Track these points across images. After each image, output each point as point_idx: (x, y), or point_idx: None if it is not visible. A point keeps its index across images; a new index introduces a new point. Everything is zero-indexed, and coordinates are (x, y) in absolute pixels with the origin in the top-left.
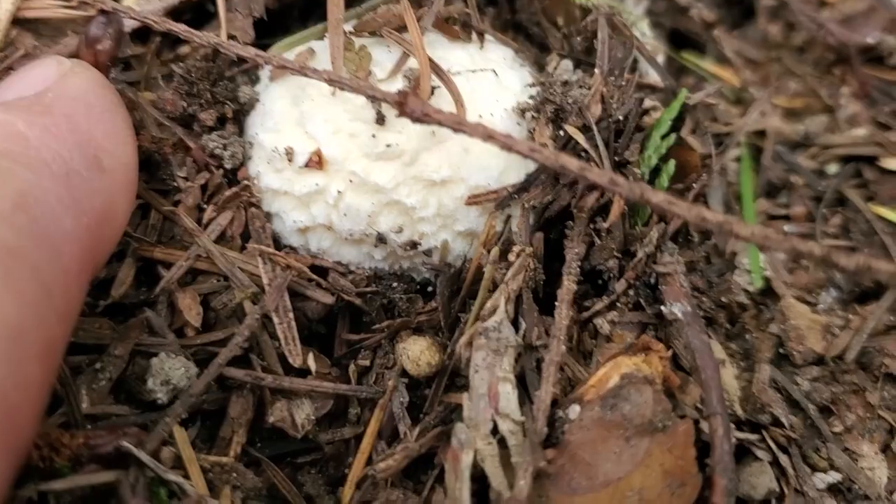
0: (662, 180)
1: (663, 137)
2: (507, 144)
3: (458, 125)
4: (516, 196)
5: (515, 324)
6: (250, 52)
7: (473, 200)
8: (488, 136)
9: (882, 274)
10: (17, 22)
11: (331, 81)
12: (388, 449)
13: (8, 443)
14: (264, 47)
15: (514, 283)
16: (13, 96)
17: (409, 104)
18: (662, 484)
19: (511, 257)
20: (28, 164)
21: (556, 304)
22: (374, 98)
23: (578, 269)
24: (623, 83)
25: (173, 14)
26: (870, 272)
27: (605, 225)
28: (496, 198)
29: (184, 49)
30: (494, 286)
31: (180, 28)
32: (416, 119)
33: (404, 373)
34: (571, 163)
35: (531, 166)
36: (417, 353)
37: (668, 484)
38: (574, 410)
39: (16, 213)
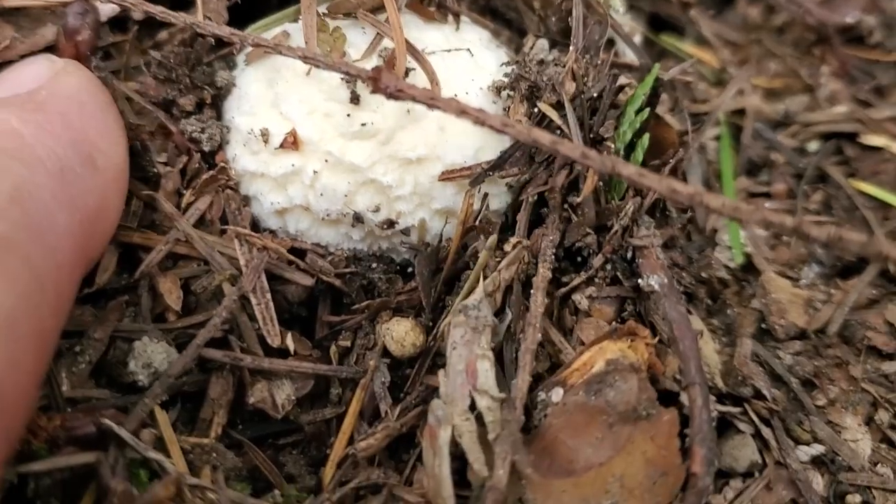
0: (637, 154)
1: (637, 112)
2: (479, 119)
3: (432, 101)
4: (490, 172)
5: (502, 313)
6: (226, 31)
7: (447, 176)
8: (461, 111)
9: (853, 245)
10: None
11: (305, 59)
12: (370, 429)
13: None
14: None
15: (507, 272)
16: (6, 94)
17: (383, 80)
18: (644, 472)
19: (507, 247)
20: (22, 159)
21: (532, 291)
22: (349, 74)
23: (553, 256)
24: (599, 61)
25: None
26: (841, 242)
27: (578, 200)
28: (469, 174)
29: (162, 35)
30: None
31: (157, 10)
32: (390, 95)
33: (385, 353)
34: (543, 137)
35: (507, 144)
36: (402, 333)
37: (649, 472)
38: (557, 393)
39: (10, 207)
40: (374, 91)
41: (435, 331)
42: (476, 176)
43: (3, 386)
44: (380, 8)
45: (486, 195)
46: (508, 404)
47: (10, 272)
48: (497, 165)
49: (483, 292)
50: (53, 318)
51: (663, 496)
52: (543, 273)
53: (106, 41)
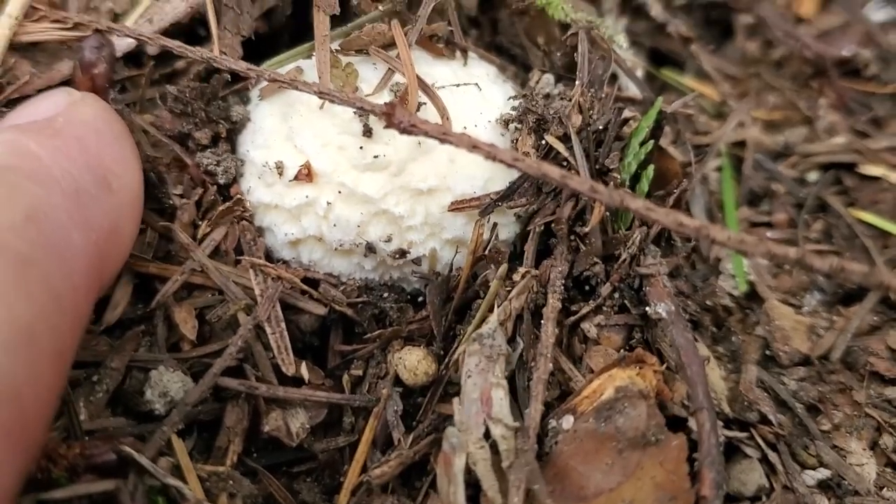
0: (643, 185)
1: (641, 144)
2: (490, 154)
3: (444, 135)
4: (499, 203)
5: (513, 342)
6: (243, 65)
7: (457, 207)
8: (473, 145)
9: (855, 275)
10: (14, 48)
11: (321, 94)
12: (383, 456)
13: (19, 443)
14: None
15: (517, 301)
16: (24, 120)
17: (397, 115)
18: (653, 497)
19: (516, 277)
20: (39, 180)
21: (542, 321)
22: (363, 110)
23: (562, 287)
24: (603, 95)
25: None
26: (843, 273)
27: (585, 230)
28: (479, 205)
29: (178, 67)
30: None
31: (174, 44)
32: (404, 130)
33: (398, 381)
34: (553, 171)
35: (515, 175)
36: (414, 362)
37: (658, 497)
38: (568, 421)
39: (27, 226)
40: (387, 126)
41: (447, 359)
42: (485, 206)
43: (24, 399)
44: (391, 44)
45: (495, 225)
46: (522, 433)
47: (29, 288)
48: (506, 196)
49: (497, 321)
50: (71, 337)
51: None
52: (553, 304)
53: (122, 75)
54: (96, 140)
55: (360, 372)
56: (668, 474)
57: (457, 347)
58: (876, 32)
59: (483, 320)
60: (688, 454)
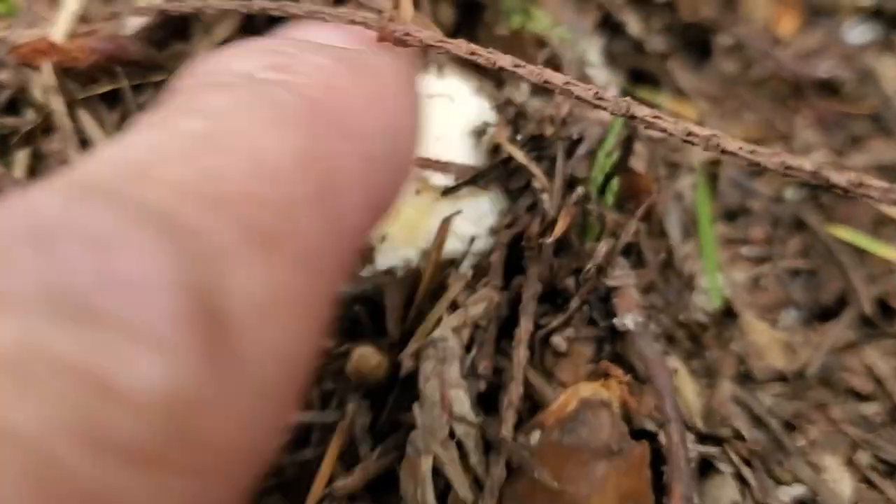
0: (607, 198)
1: (607, 156)
2: (490, 60)
3: (440, 42)
4: (463, 185)
5: (468, 350)
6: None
7: (421, 162)
8: (471, 52)
9: (874, 190)
10: None
11: (311, 13)
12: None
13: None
14: None
15: (475, 309)
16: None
17: (391, 25)
18: None
19: (479, 286)
20: (343, 133)
21: (514, 343)
22: (355, 23)
23: (535, 309)
24: (578, 110)
25: None
26: (862, 187)
27: (549, 240)
28: (443, 168)
29: None
30: (455, 306)
31: None
32: (398, 41)
33: (365, 394)
34: (555, 77)
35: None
36: (366, 354)
37: None
38: (535, 436)
39: (323, 199)
40: (381, 39)
41: (400, 359)
42: (449, 188)
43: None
44: None
45: (472, 238)
46: (493, 454)
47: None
48: (472, 180)
49: (450, 326)
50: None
51: None
52: (526, 326)
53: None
54: (401, 101)
55: (329, 386)
56: (632, 482)
57: (408, 347)
58: (853, 54)
59: (438, 320)
60: (650, 460)
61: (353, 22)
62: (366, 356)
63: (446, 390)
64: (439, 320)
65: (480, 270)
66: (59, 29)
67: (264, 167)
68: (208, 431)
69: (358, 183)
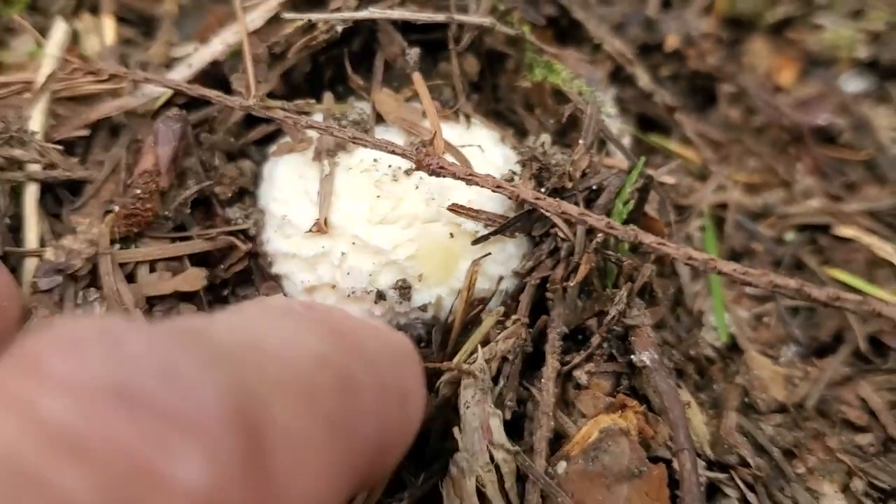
0: (623, 246)
1: (624, 204)
2: (514, 193)
3: (470, 176)
4: (493, 234)
5: (495, 382)
6: (279, 113)
7: (454, 208)
8: (497, 185)
9: (849, 303)
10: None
11: (354, 140)
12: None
13: None
14: None
15: (504, 344)
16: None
17: (427, 158)
18: None
19: (508, 322)
20: (361, 359)
21: (543, 381)
22: (394, 153)
23: (560, 347)
24: (596, 158)
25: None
26: (839, 301)
27: (571, 284)
28: (475, 215)
29: (209, 112)
30: (486, 341)
31: (212, 93)
32: (433, 171)
33: None
34: (571, 209)
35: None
36: None
37: None
38: (562, 466)
39: (341, 393)
40: (417, 168)
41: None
42: (479, 237)
43: None
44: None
45: (500, 278)
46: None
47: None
48: (500, 230)
49: (483, 358)
50: None
51: None
52: (552, 364)
53: None
54: (402, 358)
55: None
56: (653, 501)
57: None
58: (850, 102)
59: (471, 352)
60: (667, 481)
61: (392, 152)
62: None
63: (486, 419)
64: (473, 352)
65: (508, 309)
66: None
67: (305, 356)
68: None
69: (372, 397)
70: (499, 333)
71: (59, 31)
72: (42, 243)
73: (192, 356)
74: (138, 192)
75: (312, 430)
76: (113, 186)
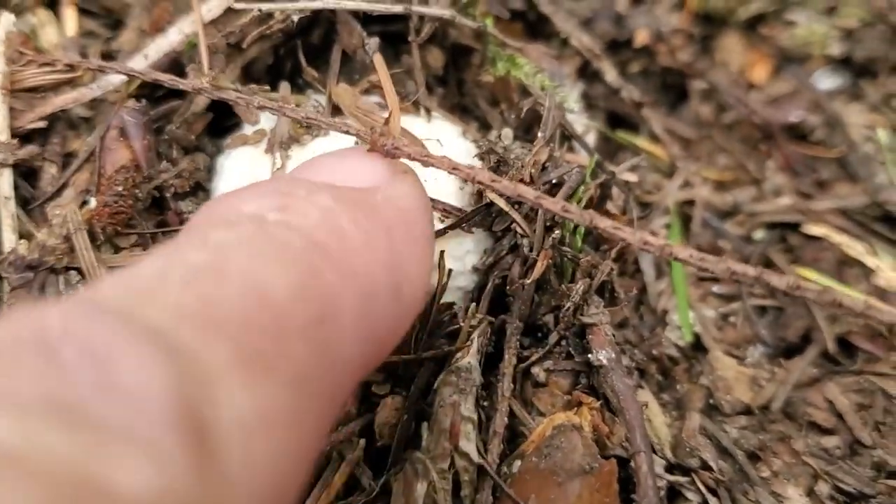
0: (576, 241)
1: (578, 201)
2: (469, 175)
3: (426, 157)
4: (451, 228)
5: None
6: (231, 94)
7: None
8: (453, 167)
9: (810, 293)
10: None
11: (307, 119)
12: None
13: None
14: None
15: (476, 343)
16: (342, 181)
17: (381, 138)
18: None
19: (473, 322)
20: (340, 270)
21: (499, 376)
22: (349, 133)
23: (518, 343)
24: (557, 153)
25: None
26: (799, 290)
27: (529, 281)
28: (441, 209)
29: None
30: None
31: (165, 77)
32: (388, 153)
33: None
34: (528, 192)
35: None
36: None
37: None
38: (516, 465)
39: (317, 329)
40: (371, 149)
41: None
42: (437, 230)
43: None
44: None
45: (450, 271)
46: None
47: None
48: (458, 224)
49: (476, 356)
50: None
51: None
52: (510, 359)
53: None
54: (404, 234)
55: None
56: (603, 498)
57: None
58: (822, 100)
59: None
60: (618, 476)
61: (346, 133)
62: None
63: (458, 422)
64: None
65: (467, 305)
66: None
67: (260, 298)
68: None
69: (354, 317)
70: (470, 333)
71: (9, 21)
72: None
73: (128, 344)
74: (119, 188)
75: (272, 398)
76: (87, 176)
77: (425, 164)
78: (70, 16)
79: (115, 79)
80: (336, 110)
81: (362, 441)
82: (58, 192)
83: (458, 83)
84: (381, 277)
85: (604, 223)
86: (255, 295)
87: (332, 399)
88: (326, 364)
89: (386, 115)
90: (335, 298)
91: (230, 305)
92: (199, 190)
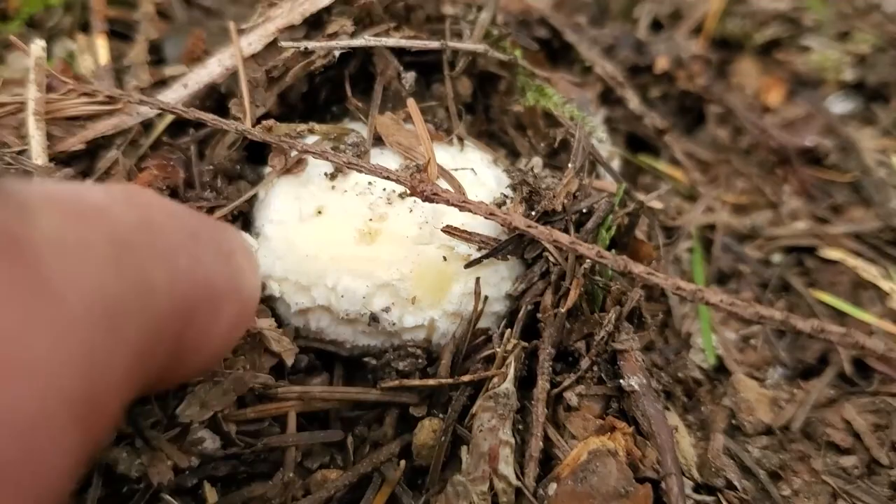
0: (606, 270)
1: (607, 230)
2: (506, 220)
3: (463, 203)
4: (485, 258)
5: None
6: (274, 137)
7: (448, 230)
8: (489, 213)
9: (833, 335)
10: (50, 122)
11: (349, 165)
12: None
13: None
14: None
15: (511, 368)
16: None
17: (420, 185)
18: None
19: (508, 346)
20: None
21: (533, 402)
22: (389, 179)
23: (550, 369)
24: (586, 181)
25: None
26: (823, 333)
27: (562, 311)
28: (469, 238)
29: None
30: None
31: (208, 117)
32: (426, 198)
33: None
34: (563, 237)
35: None
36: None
37: None
38: (552, 488)
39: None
40: (411, 194)
41: (444, 426)
42: (472, 260)
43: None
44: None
45: (486, 298)
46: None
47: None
48: (491, 254)
49: (512, 381)
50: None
51: None
52: (542, 385)
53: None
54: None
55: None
56: None
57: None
58: (836, 124)
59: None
60: (653, 499)
61: (387, 178)
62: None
63: (497, 447)
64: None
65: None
66: None
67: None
68: None
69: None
70: (506, 358)
71: (39, 48)
72: None
73: None
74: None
75: (94, 245)
76: None
77: (462, 209)
78: (101, 44)
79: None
80: (377, 139)
81: (403, 462)
82: None
83: (484, 110)
84: (208, 235)
85: (637, 269)
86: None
87: (157, 285)
88: (147, 250)
89: (423, 149)
90: (157, 219)
91: None
92: (240, 215)
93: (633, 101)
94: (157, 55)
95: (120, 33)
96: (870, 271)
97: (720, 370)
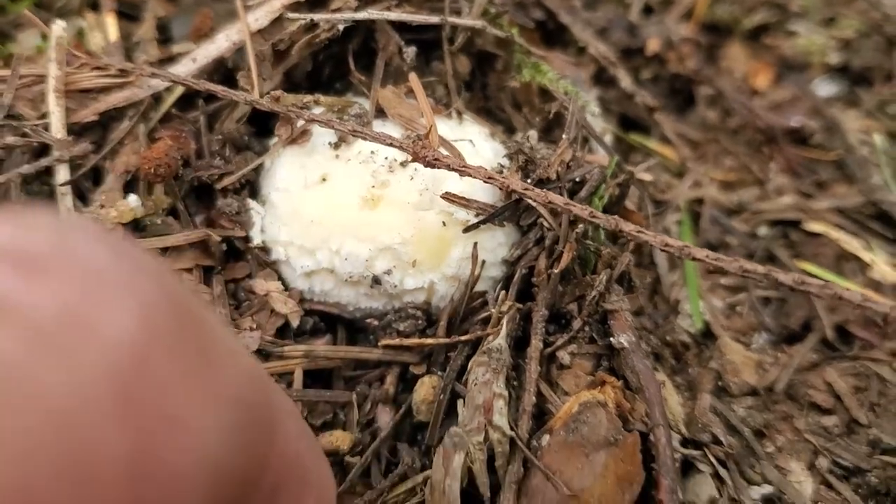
0: (599, 234)
1: (600, 199)
2: (505, 184)
3: (463, 168)
4: (482, 223)
5: None
6: (282, 107)
7: (447, 196)
8: (488, 177)
9: (813, 287)
10: (67, 94)
11: (354, 132)
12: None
13: None
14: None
15: (506, 328)
16: None
17: (423, 150)
18: (616, 488)
19: (503, 308)
20: None
21: (526, 360)
22: (392, 145)
23: (544, 329)
24: (580, 154)
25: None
26: (804, 285)
27: (556, 272)
28: (467, 203)
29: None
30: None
31: (218, 88)
32: (428, 163)
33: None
34: (558, 199)
35: None
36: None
37: (621, 486)
38: (545, 439)
39: None
40: (414, 160)
41: (443, 383)
42: (470, 225)
43: None
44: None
45: (483, 262)
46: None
47: None
48: (488, 219)
49: (505, 337)
50: None
51: (630, 502)
52: (536, 344)
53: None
54: None
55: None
56: (627, 466)
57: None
58: (821, 106)
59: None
60: (640, 447)
61: (390, 145)
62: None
63: (490, 399)
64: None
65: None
66: None
67: None
68: None
69: None
70: (500, 318)
71: (60, 27)
72: None
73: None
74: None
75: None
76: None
77: (462, 173)
78: (111, 21)
79: (164, 84)
80: (379, 112)
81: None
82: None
83: (481, 87)
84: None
85: (628, 227)
86: None
87: None
88: None
89: (423, 119)
90: None
91: None
92: (247, 184)
93: (625, 80)
94: (164, 35)
95: (127, 14)
96: (852, 244)
97: (707, 335)
